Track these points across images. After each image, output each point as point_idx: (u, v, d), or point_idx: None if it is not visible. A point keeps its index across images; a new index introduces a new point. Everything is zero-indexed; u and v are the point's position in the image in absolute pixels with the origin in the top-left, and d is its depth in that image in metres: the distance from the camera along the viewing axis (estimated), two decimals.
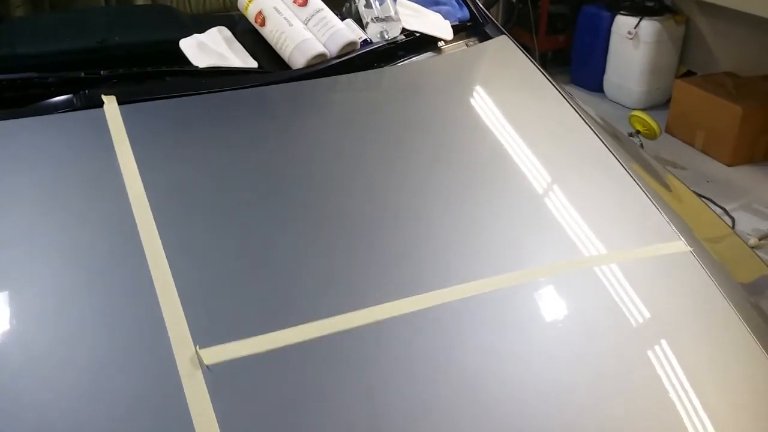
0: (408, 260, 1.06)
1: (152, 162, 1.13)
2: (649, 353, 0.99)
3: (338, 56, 1.48)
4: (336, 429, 0.84)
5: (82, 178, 1.11)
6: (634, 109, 4.10)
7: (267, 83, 1.38)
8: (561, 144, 1.39)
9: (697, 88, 3.87)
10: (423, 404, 0.88)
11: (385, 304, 0.97)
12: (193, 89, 1.33)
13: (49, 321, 0.91)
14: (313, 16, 1.51)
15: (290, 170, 1.21)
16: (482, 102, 1.48)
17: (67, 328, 0.90)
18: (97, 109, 1.23)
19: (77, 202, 1.07)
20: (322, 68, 1.44)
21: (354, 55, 1.49)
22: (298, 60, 1.45)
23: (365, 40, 1.55)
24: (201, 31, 1.52)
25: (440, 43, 1.63)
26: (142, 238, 0.99)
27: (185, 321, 0.89)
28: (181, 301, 0.91)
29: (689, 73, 4.34)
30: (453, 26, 1.68)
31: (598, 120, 1.59)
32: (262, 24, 1.50)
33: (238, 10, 1.60)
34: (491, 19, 1.76)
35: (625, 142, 1.54)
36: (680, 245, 1.16)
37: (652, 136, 3.53)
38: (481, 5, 1.79)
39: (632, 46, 4.23)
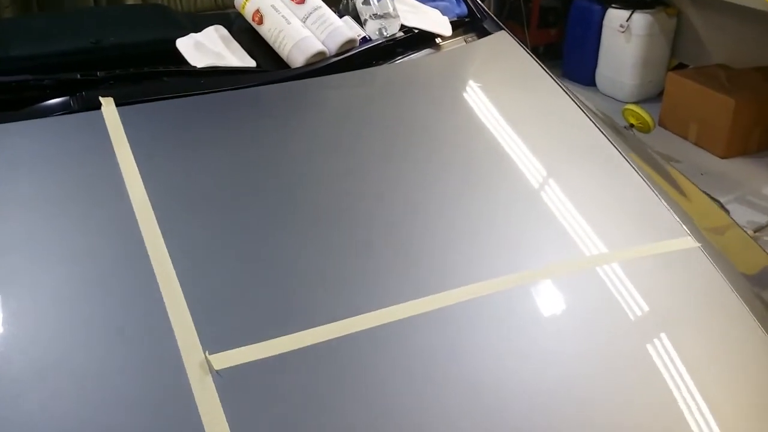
0: (412, 262, 1.05)
1: (153, 165, 1.11)
2: (661, 354, 0.98)
3: (337, 54, 1.46)
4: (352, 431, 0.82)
5: (83, 183, 1.09)
6: (626, 103, 4.10)
7: (267, 82, 1.36)
8: (564, 140, 1.38)
9: (690, 81, 3.87)
10: (432, 406, 0.87)
11: (393, 307, 0.96)
12: (191, 90, 1.31)
13: (54, 329, 0.89)
14: (311, 13, 1.49)
15: (293, 171, 1.19)
16: (483, 98, 1.47)
17: (74, 337, 0.88)
18: (94, 111, 1.21)
19: (78, 207, 1.05)
20: (321, 66, 1.42)
21: (353, 52, 1.47)
22: (297, 58, 1.43)
23: (364, 37, 1.54)
24: (197, 30, 1.50)
25: (438, 40, 1.62)
26: (146, 243, 0.97)
27: (193, 326, 0.87)
28: (188, 306, 0.89)
29: (681, 66, 4.34)
30: (451, 22, 1.67)
31: (599, 114, 1.58)
32: (260, 22, 1.48)
33: (231, 8, 1.58)
34: (489, 15, 1.75)
35: (628, 137, 1.53)
36: (688, 241, 1.15)
37: (646, 129, 3.53)
38: (478, 1, 1.77)
39: (624, 39, 4.22)
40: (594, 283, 1.07)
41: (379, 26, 1.55)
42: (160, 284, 0.92)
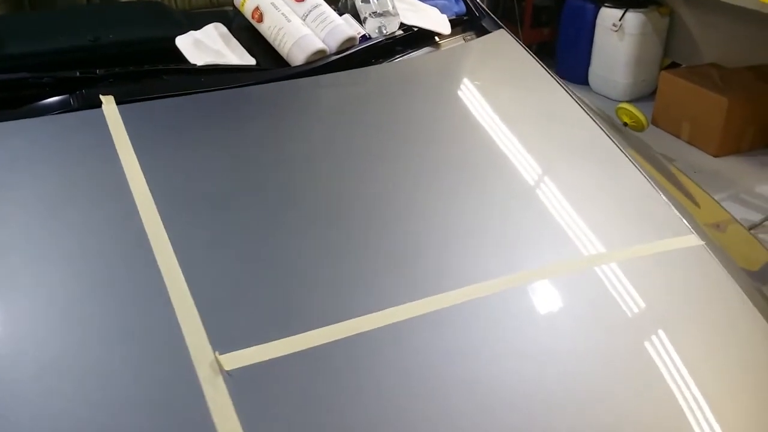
0: (418, 262, 1.05)
1: (156, 163, 1.10)
2: (667, 355, 0.98)
3: (337, 52, 1.46)
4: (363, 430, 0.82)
5: (85, 182, 1.08)
6: (619, 102, 4.11)
7: (268, 80, 1.35)
8: (566, 138, 1.38)
9: (683, 80, 3.88)
10: (443, 405, 0.86)
11: (401, 306, 0.95)
12: (192, 88, 1.30)
13: (60, 331, 0.88)
14: (311, 11, 1.48)
15: (295, 169, 1.18)
16: (484, 97, 1.46)
17: (81, 339, 0.87)
18: (95, 110, 1.20)
19: (81, 207, 1.04)
20: (322, 65, 1.41)
21: (354, 50, 1.46)
22: (297, 56, 1.42)
23: (363, 35, 1.53)
24: (195, 27, 1.49)
25: (437, 38, 1.61)
26: (151, 243, 0.96)
27: (202, 327, 0.87)
28: (196, 307, 0.88)
29: (674, 65, 4.36)
30: (450, 20, 1.67)
31: (599, 112, 1.58)
32: (260, 20, 1.47)
33: (225, 6, 1.57)
34: (488, 13, 1.75)
35: (628, 135, 1.53)
36: (693, 239, 1.15)
37: (639, 128, 3.54)
38: None
39: (617, 38, 4.23)
40: (597, 283, 1.07)
41: (379, 24, 1.55)
42: (167, 284, 0.91)
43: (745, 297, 1.07)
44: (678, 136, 3.97)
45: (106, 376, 0.83)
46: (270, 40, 1.47)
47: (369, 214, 1.14)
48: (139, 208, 1.01)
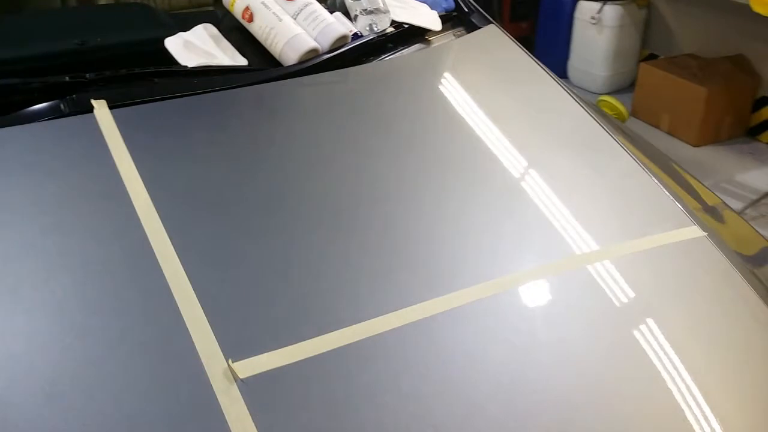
0: (425, 262, 1.04)
1: (154, 169, 1.07)
2: (678, 347, 0.98)
3: (330, 51, 1.44)
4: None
5: (82, 189, 1.05)
6: (599, 94, 4.14)
7: (262, 81, 1.33)
8: (564, 133, 1.37)
9: (662, 71, 3.91)
10: (463, 406, 0.86)
11: (409, 308, 0.94)
12: (185, 90, 1.27)
13: (67, 347, 0.85)
14: (302, 10, 1.46)
15: (297, 170, 1.17)
16: (479, 94, 1.45)
17: (88, 353, 0.84)
18: (87, 115, 1.17)
19: (80, 216, 1.01)
20: (316, 64, 1.39)
21: (346, 48, 1.45)
22: (290, 56, 1.41)
23: (355, 33, 1.51)
24: (182, 29, 1.46)
25: (428, 35, 1.60)
26: (155, 251, 0.94)
27: (213, 335, 0.85)
28: (205, 315, 0.86)
29: (652, 56, 4.39)
30: (439, 16, 1.66)
31: (593, 106, 1.58)
32: (250, 20, 1.45)
33: (206, 6, 1.54)
34: (477, 8, 1.74)
35: (624, 128, 1.53)
36: (695, 230, 1.15)
37: (620, 120, 3.56)
38: None
39: (596, 31, 4.26)
40: (602, 279, 1.07)
41: (370, 22, 1.53)
42: (174, 293, 0.89)
43: (750, 288, 1.07)
44: (658, 127, 4.00)
45: (118, 391, 0.81)
46: (261, 40, 1.45)
47: (371, 214, 1.13)
48: (140, 215, 0.99)
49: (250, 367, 0.82)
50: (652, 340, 0.98)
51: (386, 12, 1.55)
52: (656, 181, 1.25)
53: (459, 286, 1.00)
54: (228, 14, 1.51)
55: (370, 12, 1.55)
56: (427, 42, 1.59)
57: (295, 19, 1.46)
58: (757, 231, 1.40)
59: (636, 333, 0.99)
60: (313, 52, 1.42)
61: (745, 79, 3.80)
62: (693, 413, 0.91)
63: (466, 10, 1.72)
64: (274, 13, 1.44)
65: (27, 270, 0.92)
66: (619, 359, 0.96)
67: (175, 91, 1.27)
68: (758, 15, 3.35)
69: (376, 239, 1.08)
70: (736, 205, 3.34)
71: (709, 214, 1.32)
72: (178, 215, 1.01)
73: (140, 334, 0.86)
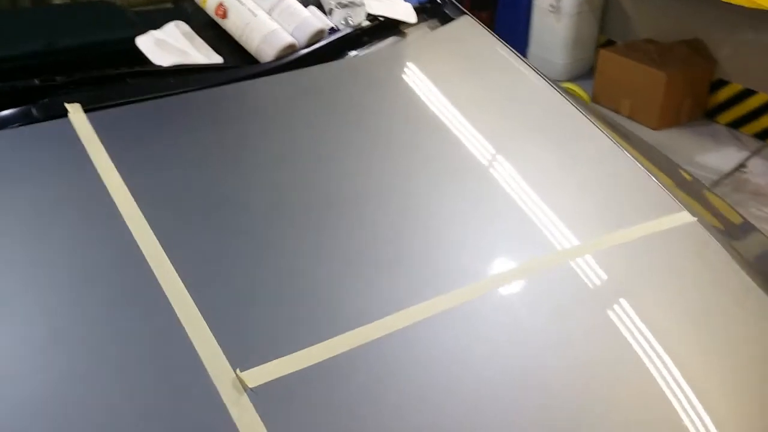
0: (421, 262, 1.02)
1: (139, 175, 1.03)
2: (682, 335, 0.98)
3: (308, 46, 1.41)
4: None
5: (64, 200, 1.00)
6: (561, 82, 4.16)
7: (241, 78, 1.29)
8: (548, 124, 1.37)
9: (622, 57, 3.95)
10: (477, 407, 0.84)
11: (414, 306, 0.93)
12: (161, 90, 1.23)
13: (64, 367, 0.81)
14: (277, 5, 1.43)
15: (285, 170, 1.14)
16: (459, 87, 1.44)
17: (88, 379, 0.80)
18: (62, 120, 1.12)
19: (65, 228, 0.96)
20: (294, 59, 1.36)
21: (324, 43, 1.42)
22: (267, 52, 1.37)
23: (332, 27, 1.49)
24: (151, 27, 1.41)
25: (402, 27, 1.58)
26: (149, 262, 0.90)
27: (217, 345, 0.81)
28: (207, 325, 0.83)
29: (609, 42, 4.43)
30: (414, 9, 1.63)
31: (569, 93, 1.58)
32: (224, 16, 1.41)
33: (165, 3, 1.50)
34: (450, 0, 1.72)
35: (605, 117, 1.53)
36: (685, 216, 1.15)
37: None
38: None
39: (554, 19, 4.28)
40: (596, 271, 1.06)
41: (345, 15, 1.51)
42: (173, 304, 0.85)
43: (741, 271, 1.08)
44: (618, 112, 4.04)
45: (125, 411, 0.77)
46: (236, 36, 1.41)
47: (361, 213, 1.10)
48: (129, 224, 0.94)
49: (259, 375, 0.80)
50: (652, 335, 0.97)
51: (361, 5, 1.53)
52: (643, 168, 1.26)
53: (461, 284, 0.98)
54: (197, 10, 1.47)
55: (345, 5, 1.52)
56: (403, 35, 1.57)
57: (270, 14, 1.42)
58: (731, 206, 1.41)
59: (635, 328, 0.99)
60: (291, 48, 1.39)
61: (702, 63, 3.87)
62: (693, 411, 0.91)
63: (440, 1, 1.70)
64: (248, 8, 1.40)
65: (9, 287, 0.87)
66: (619, 355, 0.96)
67: (151, 91, 1.23)
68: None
69: (366, 237, 1.06)
70: None
71: (683, 189, 1.33)
72: (168, 223, 0.97)
73: (141, 351, 0.82)
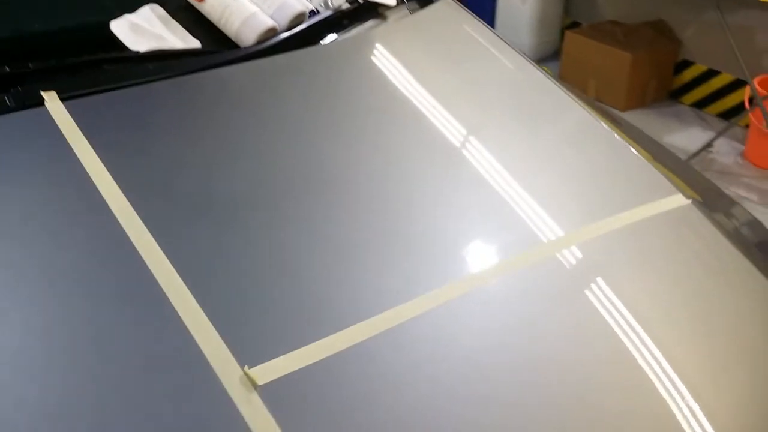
0: (420, 254, 1.00)
1: (124, 166, 0.98)
2: (683, 320, 0.97)
3: (288, 29, 1.37)
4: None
5: (48, 194, 0.95)
6: None
7: (222, 64, 1.25)
8: (536, 108, 1.35)
9: (587, 38, 3.97)
10: (492, 398, 0.83)
11: (419, 298, 0.91)
12: (139, 76, 1.18)
13: (70, 367, 0.77)
14: None
15: (275, 157, 1.10)
16: (442, 71, 1.41)
17: (92, 383, 0.76)
18: (38, 109, 1.07)
19: (53, 225, 0.90)
20: (275, 43, 1.32)
21: (305, 27, 1.38)
22: (247, 36, 1.33)
23: (312, 10, 1.45)
24: (126, 10, 1.36)
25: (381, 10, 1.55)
26: (144, 258, 0.85)
27: (222, 343, 0.78)
28: (211, 322, 0.80)
29: (575, 24, 4.45)
30: None
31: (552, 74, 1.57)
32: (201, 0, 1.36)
33: None
34: None
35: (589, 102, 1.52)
36: (679, 198, 1.15)
37: None
38: None
39: (520, 0, 4.28)
40: (591, 258, 1.05)
41: None
42: (173, 302, 0.81)
43: (740, 254, 1.08)
44: (585, 94, 4.06)
45: (133, 413, 0.73)
46: (214, 20, 1.36)
47: (355, 204, 1.07)
48: (118, 219, 0.90)
49: (267, 372, 0.77)
50: (651, 328, 0.96)
51: None
52: (634, 151, 1.25)
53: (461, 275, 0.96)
54: None
55: None
56: (382, 18, 1.54)
57: None
58: (706, 177, 1.42)
59: (634, 321, 0.97)
60: (272, 31, 1.35)
61: (667, 44, 3.91)
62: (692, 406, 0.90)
63: None
64: None
65: (5, 288, 0.83)
66: (614, 346, 0.94)
67: (129, 78, 1.18)
68: None
69: (367, 231, 1.03)
70: None
71: (660, 162, 1.32)
72: (157, 213, 0.93)
73: (145, 353, 0.79)
